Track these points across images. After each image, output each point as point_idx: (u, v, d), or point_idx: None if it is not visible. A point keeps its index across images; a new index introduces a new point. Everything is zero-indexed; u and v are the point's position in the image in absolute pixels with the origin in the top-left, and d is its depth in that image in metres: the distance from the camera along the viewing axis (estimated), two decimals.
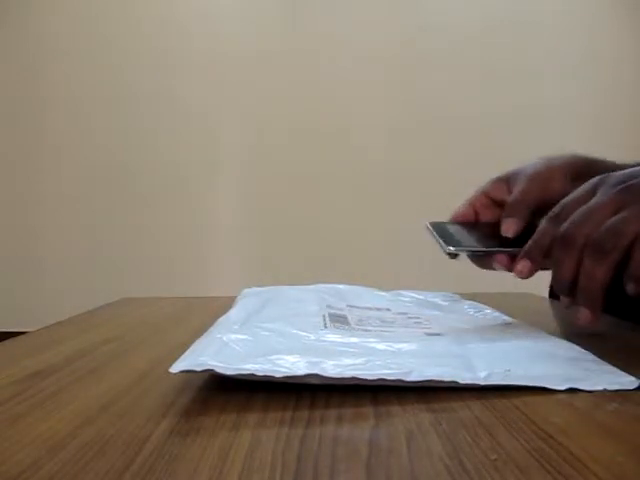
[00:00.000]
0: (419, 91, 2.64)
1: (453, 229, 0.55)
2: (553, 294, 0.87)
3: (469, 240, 0.54)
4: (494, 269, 0.54)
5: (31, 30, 2.69)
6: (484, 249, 0.53)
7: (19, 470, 0.25)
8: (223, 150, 2.70)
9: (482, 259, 0.55)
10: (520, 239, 0.51)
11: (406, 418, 0.32)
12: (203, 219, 2.69)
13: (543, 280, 0.90)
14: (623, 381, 0.36)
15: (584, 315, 0.43)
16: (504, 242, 0.53)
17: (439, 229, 0.54)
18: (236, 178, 2.70)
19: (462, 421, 0.31)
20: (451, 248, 0.50)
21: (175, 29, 2.68)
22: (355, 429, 0.31)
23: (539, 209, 0.54)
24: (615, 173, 0.45)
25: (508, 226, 0.53)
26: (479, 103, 2.60)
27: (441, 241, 0.51)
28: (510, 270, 0.52)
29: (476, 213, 0.59)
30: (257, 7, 2.70)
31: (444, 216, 0.60)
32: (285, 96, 2.67)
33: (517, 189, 0.55)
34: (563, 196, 0.52)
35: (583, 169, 0.56)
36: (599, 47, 2.63)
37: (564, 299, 0.46)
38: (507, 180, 0.58)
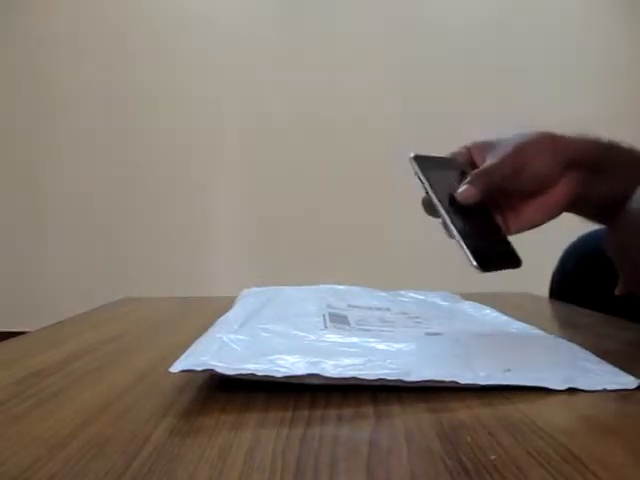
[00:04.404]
0: (419, 90, 2.64)
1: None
2: (553, 294, 0.87)
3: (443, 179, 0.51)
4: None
5: (34, 30, 2.69)
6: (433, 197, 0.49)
7: (19, 470, 0.25)
8: (224, 150, 2.70)
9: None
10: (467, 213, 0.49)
11: (406, 418, 0.32)
12: (204, 219, 2.69)
13: (543, 280, 0.90)
14: (623, 381, 0.36)
15: None
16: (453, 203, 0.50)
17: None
18: (237, 178, 2.70)
19: (462, 421, 0.31)
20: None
21: (174, 29, 2.68)
22: (355, 429, 0.31)
23: (506, 184, 0.50)
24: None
25: (466, 193, 0.49)
26: (479, 103, 2.59)
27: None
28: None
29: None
30: (258, 6, 2.70)
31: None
32: (286, 96, 2.67)
33: (491, 159, 0.51)
34: (538, 180, 0.50)
35: (584, 159, 0.52)
36: (600, 47, 2.63)
37: None
38: (488, 146, 0.54)
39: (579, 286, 0.82)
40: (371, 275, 1.53)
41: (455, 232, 0.47)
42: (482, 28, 2.64)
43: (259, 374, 0.34)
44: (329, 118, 2.65)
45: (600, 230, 0.66)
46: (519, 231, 0.53)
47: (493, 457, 0.26)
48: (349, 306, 0.62)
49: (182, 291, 1.13)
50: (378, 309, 0.62)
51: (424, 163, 0.51)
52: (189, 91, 2.67)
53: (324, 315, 0.55)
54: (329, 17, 2.69)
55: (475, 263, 0.45)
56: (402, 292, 0.74)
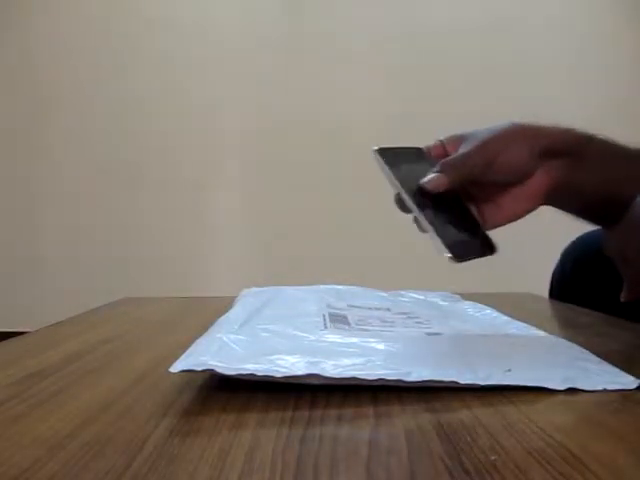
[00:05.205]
0: (419, 90, 2.64)
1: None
2: (553, 293, 0.87)
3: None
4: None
5: (34, 30, 2.69)
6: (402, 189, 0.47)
7: (19, 470, 0.25)
8: (224, 150, 2.70)
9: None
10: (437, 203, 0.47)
11: (406, 418, 0.32)
12: (203, 219, 2.68)
13: (543, 280, 0.90)
14: (623, 381, 0.36)
15: None
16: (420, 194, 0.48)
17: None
18: (237, 178, 2.70)
19: (462, 421, 0.31)
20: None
21: (175, 28, 2.68)
22: (355, 429, 0.31)
23: (476, 177, 0.49)
24: None
25: (435, 181, 0.47)
26: (479, 102, 2.59)
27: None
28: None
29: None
30: (258, 6, 2.69)
31: None
32: (286, 96, 2.66)
33: (462, 150, 0.50)
34: (512, 170, 0.48)
35: (565, 147, 0.50)
36: (598, 47, 2.63)
37: None
38: (462, 138, 0.52)
39: (579, 285, 0.82)
40: (371, 275, 1.53)
41: (426, 223, 0.45)
42: (482, 28, 2.64)
43: (259, 374, 0.34)
44: (329, 118, 2.64)
45: (600, 230, 0.66)
46: (499, 224, 0.51)
47: (493, 457, 0.26)
48: (349, 306, 0.62)
49: (182, 291, 1.14)
50: (378, 309, 0.62)
51: (390, 156, 0.49)
52: (189, 91, 2.67)
53: (324, 315, 0.55)
54: (329, 17, 2.69)
55: (449, 254, 0.43)
56: (402, 292, 0.74)
